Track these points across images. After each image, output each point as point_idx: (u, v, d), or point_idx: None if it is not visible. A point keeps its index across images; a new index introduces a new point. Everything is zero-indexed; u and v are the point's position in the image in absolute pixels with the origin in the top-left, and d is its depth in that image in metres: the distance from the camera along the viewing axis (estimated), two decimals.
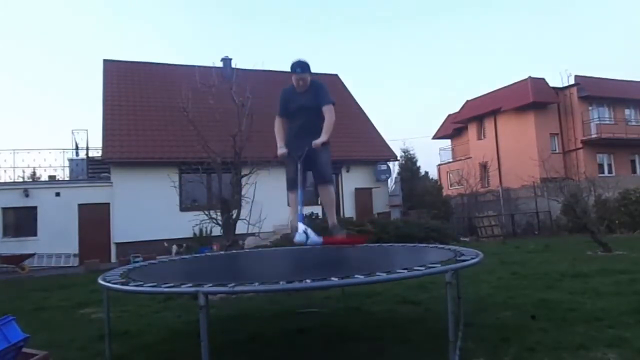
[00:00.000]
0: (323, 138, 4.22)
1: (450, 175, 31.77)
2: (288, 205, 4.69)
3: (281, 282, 3.37)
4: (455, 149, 33.99)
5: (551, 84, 27.19)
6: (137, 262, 8.88)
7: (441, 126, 35.21)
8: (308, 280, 3.34)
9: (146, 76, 20.94)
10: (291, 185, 4.48)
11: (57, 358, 3.97)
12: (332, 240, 4.53)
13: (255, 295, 6.62)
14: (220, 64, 20.78)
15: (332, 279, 3.26)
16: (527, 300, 5.53)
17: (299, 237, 4.20)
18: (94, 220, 16.73)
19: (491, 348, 3.79)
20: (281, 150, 4.41)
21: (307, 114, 4.37)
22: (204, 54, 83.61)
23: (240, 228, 9.53)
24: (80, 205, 16.86)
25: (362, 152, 20.68)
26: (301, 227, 4.20)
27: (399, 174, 22.86)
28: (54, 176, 19.02)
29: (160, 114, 18.73)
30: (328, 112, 4.31)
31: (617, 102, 27.56)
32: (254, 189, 9.95)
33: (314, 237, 4.25)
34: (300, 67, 4.31)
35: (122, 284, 3.76)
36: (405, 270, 3.38)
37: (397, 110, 64.82)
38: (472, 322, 4.55)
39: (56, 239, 16.08)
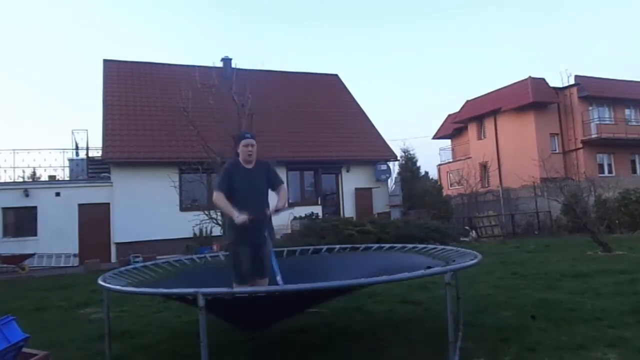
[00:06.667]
0: (283, 204, 4.37)
1: (450, 175, 31.73)
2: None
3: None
4: (455, 149, 33.96)
5: (551, 84, 27.14)
6: (137, 262, 8.89)
7: (441, 126, 35.18)
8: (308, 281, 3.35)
9: (146, 76, 20.95)
10: (245, 278, 4.17)
11: (57, 358, 3.97)
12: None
13: None
14: (220, 64, 20.78)
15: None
16: (527, 300, 5.53)
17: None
18: (94, 220, 16.72)
19: (491, 348, 3.79)
20: (242, 216, 4.03)
21: (257, 186, 4.35)
22: (204, 54, 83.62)
23: None
24: (80, 205, 16.85)
25: (362, 152, 20.67)
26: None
27: (399, 174, 22.84)
28: (54, 176, 19.00)
29: (160, 114, 18.74)
30: (283, 189, 4.50)
31: (617, 102, 27.52)
32: None
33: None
34: (250, 133, 4.51)
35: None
36: (406, 271, 3.39)
37: (397, 110, 64.86)
38: (472, 322, 4.55)
39: (56, 239, 16.08)
